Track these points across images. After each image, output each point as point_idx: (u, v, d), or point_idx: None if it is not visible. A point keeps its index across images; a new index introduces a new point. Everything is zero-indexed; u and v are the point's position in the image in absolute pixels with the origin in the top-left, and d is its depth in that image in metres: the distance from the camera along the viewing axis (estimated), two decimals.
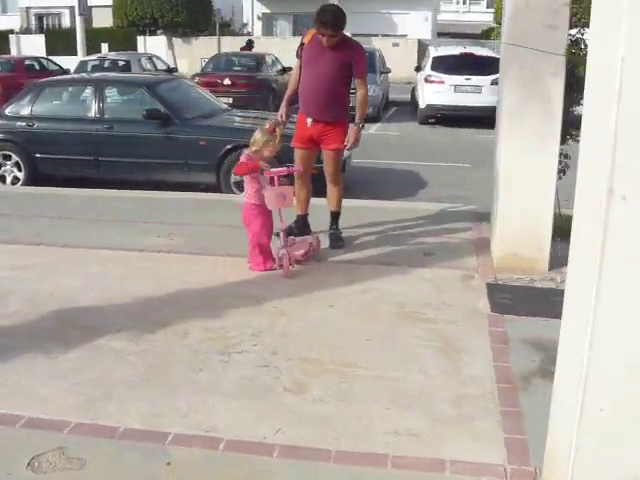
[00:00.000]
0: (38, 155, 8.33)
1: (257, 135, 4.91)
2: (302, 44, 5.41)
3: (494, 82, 15.25)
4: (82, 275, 4.80)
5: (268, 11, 33.36)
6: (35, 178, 8.31)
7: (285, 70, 18.72)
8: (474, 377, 3.45)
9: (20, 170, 8.41)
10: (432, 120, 15.85)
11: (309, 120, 5.39)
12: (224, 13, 28.88)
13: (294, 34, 32.44)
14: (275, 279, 4.73)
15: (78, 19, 21.18)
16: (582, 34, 4.73)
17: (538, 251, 4.96)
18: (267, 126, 4.97)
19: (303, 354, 3.64)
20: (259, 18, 33.39)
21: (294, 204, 5.39)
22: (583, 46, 4.73)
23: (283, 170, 4.94)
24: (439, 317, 4.16)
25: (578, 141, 5.26)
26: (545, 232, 4.92)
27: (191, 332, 3.90)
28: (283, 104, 5.62)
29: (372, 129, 15.02)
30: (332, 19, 5.08)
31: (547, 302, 4.45)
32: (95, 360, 3.57)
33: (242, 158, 4.93)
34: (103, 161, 8.19)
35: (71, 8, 29.09)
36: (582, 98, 5.04)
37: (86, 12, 21.16)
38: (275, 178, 4.83)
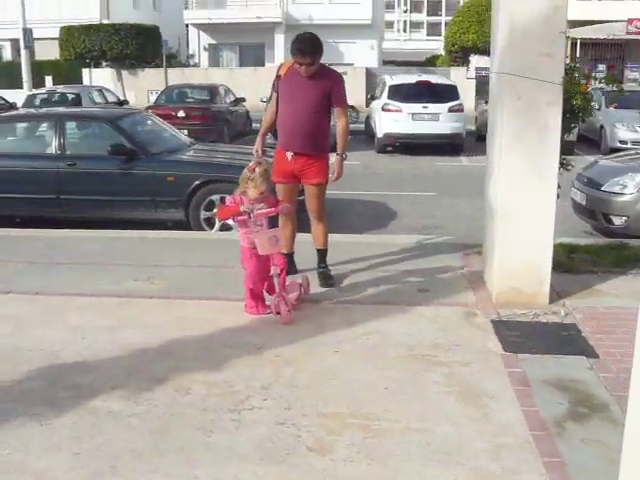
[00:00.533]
0: None
1: (241, 176, 4.66)
2: (278, 76, 5.22)
3: (451, 109, 15.49)
4: (63, 326, 4.44)
5: (214, 42, 33.23)
6: None
7: (238, 101, 18.56)
8: (505, 425, 3.25)
9: None
10: (390, 148, 15.88)
11: (289, 154, 5.18)
12: (171, 44, 28.59)
13: (241, 64, 32.40)
14: (272, 324, 4.47)
15: (23, 52, 20.52)
16: (576, 62, 4.67)
17: (539, 285, 4.84)
18: (251, 164, 4.68)
19: (320, 408, 3.39)
20: (205, 49, 33.22)
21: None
22: (577, 75, 4.67)
23: (271, 211, 4.66)
24: (452, 359, 3.97)
25: (568, 169, 5.26)
26: (545, 265, 4.81)
27: (193, 388, 3.60)
28: (258, 139, 5.37)
29: (330, 159, 14.92)
30: (310, 46, 4.94)
31: (556, 338, 4.32)
32: (93, 425, 3.24)
33: (227, 200, 4.69)
34: (65, 199, 7.78)
35: (13, 41, 28.41)
36: (575, 126, 5.04)
37: (31, 44, 20.58)
38: (264, 220, 4.59)
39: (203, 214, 7.67)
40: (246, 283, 4.61)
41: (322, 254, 5.40)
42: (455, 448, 3.05)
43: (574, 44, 28.71)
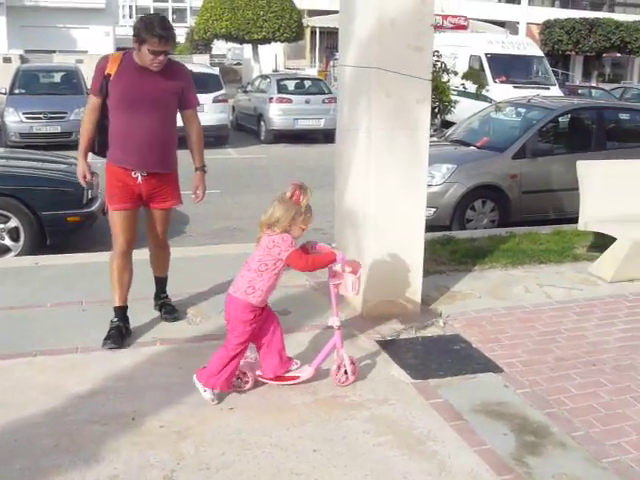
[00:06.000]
0: None
1: (278, 210, 3.30)
2: (106, 76, 4.01)
3: (216, 100, 14.96)
4: None
5: None
6: None
7: None
8: (469, 473, 2.85)
9: None
10: None
11: (138, 175, 4.08)
12: None
13: None
14: (125, 380, 3.57)
15: None
16: (439, 56, 4.39)
17: (412, 294, 4.56)
18: (288, 194, 3.31)
19: None
20: None
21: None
22: (440, 68, 4.39)
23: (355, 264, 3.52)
24: (365, 397, 3.47)
25: None
26: (416, 273, 4.54)
27: None
28: (80, 160, 4.17)
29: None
30: (171, 30, 3.91)
31: (452, 354, 4.05)
32: None
33: (287, 242, 3.30)
34: None
35: None
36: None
37: None
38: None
39: None
40: (225, 351, 3.41)
41: (164, 282, 4.55)
42: None
43: (313, 32, 29.72)
